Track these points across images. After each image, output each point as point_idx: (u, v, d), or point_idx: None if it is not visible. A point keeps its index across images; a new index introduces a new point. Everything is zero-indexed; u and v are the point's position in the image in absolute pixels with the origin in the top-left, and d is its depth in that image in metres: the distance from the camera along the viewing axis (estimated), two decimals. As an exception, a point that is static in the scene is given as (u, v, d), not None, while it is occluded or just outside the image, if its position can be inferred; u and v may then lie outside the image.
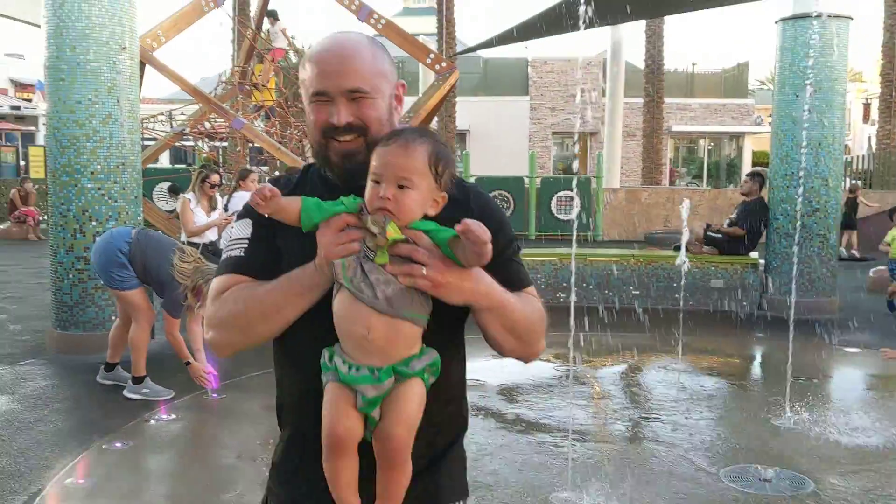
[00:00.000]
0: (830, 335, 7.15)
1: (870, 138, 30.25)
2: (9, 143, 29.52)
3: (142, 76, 7.87)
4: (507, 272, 1.56)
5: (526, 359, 1.61)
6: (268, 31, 13.05)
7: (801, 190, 8.33)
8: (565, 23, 10.04)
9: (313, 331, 1.51)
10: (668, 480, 4.08)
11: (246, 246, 1.63)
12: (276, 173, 12.11)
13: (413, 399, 1.44)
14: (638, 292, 8.95)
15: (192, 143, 14.46)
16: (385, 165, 1.46)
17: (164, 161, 23.95)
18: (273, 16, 13.27)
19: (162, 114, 15.10)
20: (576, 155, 30.71)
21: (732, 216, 9.52)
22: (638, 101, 25.44)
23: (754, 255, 9.23)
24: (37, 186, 16.96)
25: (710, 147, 32.28)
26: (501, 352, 1.56)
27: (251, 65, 12.74)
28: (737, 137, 31.28)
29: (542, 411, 5.23)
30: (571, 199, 16.27)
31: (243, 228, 1.66)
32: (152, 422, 4.98)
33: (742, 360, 7.23)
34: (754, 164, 27.57)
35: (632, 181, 26.53)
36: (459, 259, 1.42)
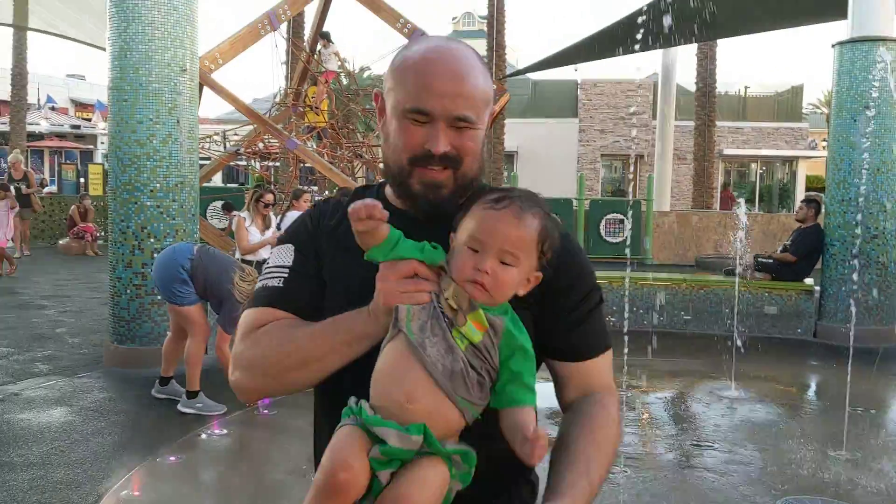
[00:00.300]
0: (889, 365, 6.97)
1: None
2: (69, 161, 30.37)
3: (200, 97, 8.06)
4: (582, 332, 1.43)
5: None
6: (320, 52, 13.27)
7: (859, 216, 8.17)
8: (619, 44, 10.03)
9: (361, 376, 1.30)
10: (721, 510, 4.01)
11: (286, 276, 1.45)
12: (326, 193, 12.28)
13: (432, 482, 1.19)
14: (689, 317, 8.84)
15: (245, 163, 14.72)
16: (491, 234, 1.27)
17: (217, 180, 24.41)
18: (326, 38, 13.50)
19: (217, 134, 15.43)
20: (630, 179, 30.53)
21: (787, 242, 9.39)
22: (689, 124, 25.22)
23: (809, 281, 9.06)
24: (95, 203, 17.39)
25: (762, 171, 31.80)
26: None
27: (305, 86, 12.96)
28: (790, 162, 30.76)
29: (592, 436, 5.17)
30: (621, 221, 16.15)
31: (284, 255, 1.48)
32: (205, 436, 5.06)
33: (797, 389, 7.08)
34: (808, 189, 27.09)
35: (682, 205, 26.25)
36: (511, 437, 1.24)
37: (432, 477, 1.20)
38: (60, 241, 17.22)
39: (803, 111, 33.27)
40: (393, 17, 10.28)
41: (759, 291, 8.90)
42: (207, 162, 11.79)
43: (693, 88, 24.69)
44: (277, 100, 13.95)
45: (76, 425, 5.16)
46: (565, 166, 28.22)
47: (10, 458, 4.47)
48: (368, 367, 1.28)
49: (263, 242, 7.87)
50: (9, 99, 25.37)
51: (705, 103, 23.94)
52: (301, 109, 12.64)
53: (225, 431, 5.17)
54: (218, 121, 28.20)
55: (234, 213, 9.64)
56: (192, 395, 5.46)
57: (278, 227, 8.22)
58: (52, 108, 37.64)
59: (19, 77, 24.40)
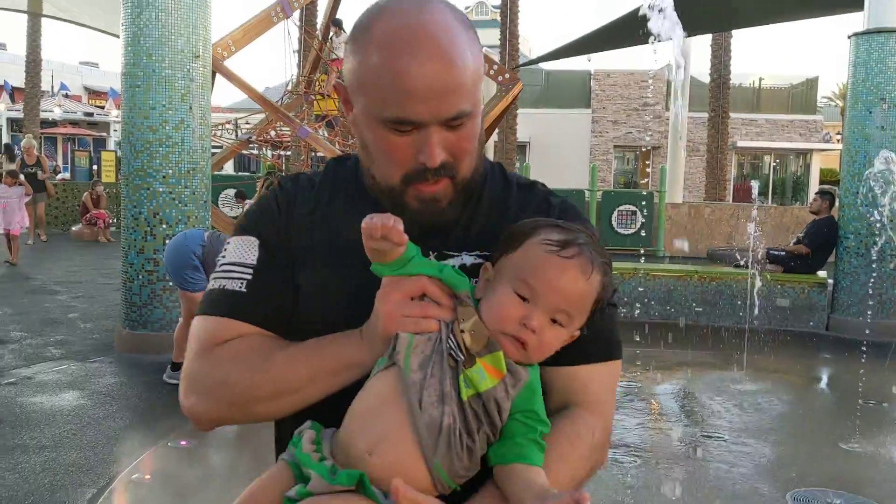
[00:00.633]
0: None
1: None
2: (82, 148, 30.48)
3: (212, 85, 8.06)
4: (589, 335, 1.13)
5: None
6: (332, 39, 13.25)
7: (875, 209, 8.11)
8: (632, 35, 9.98)
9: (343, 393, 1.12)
10: (730, 502, 4.00)
11: (249, 278, 1.18)
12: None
13: None
14: (700, 309, 8.80)
15: (256, 152, 14.73)
16: (552, 287, 1.05)
17: (229, 168, 24.46)
18: (339, 25, 13.47)
19: (228, 122, 15.45)
20: (644, 168, 30.43)
21: (800, 234, 9.34)
22: (702, 115, 25.09)
23: (822, 274, 9.01)
24: (107, 190, 17.45)
25: (775, 164, 31.64)
26: None
27: (317, 75, 12.94)
28: (804, 154, 30.59)
29: (602, 426, 5.17)
30: (633, 213, 16.10)
31: (245, 250, 1.21)
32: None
33: (809, 382, 7.05)
34: (822, 182, 26.91)
35: (694, 197, 26.15)
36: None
37: None
38: (73, 228, 17.30)
39: (818, 103, 33.09)
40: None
41: (771, 283, 8.86)
42: (219, 150, 11.80)
43: (707, 80, 24.55)
44: (289, 88, 13.94)
45: (88, 409, 5.19)
46: (578, 157, 28.14)
47: (23, 441, 4.50)
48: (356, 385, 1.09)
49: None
50: (23, 86, 25.50)
51: (719, 95, 23.80)
52: (313, 98, 12.63)
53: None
54: (230, 109, 28.25)
55: (247, 201, 9.67)
56: (177, 366, 5.49)
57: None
58: (66, 96, 37.73)
59: (33, 64, 24.51)
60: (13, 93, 34.98)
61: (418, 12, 1.08)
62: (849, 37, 8.61)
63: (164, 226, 6.60)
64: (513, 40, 23.28)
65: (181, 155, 6.64)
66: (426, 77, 1.05)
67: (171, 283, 6.11)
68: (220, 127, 13.13)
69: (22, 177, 13.28)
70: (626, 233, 16.19)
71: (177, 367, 5.78)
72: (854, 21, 9.20)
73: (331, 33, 13.08)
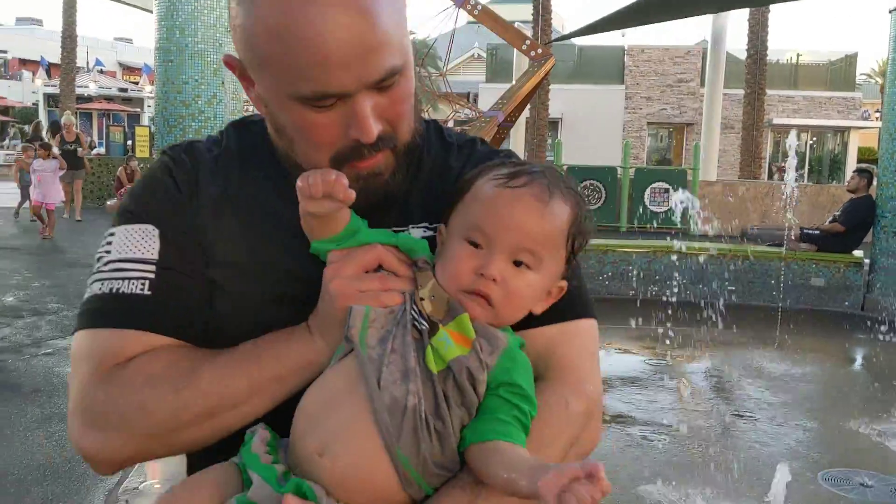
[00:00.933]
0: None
1: None
2: (116, 124, 30.83)
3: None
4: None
5: None
6: None
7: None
8: (667, 9, 9.83)
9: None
10: (761, 480, 3.97)
11: (152, 277, 0.96)
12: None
13: None
14: (733, 288, 8.71)
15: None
16: (504, 223, 0.90)
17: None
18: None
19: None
20: (679, 145, 30.11)
21: (836, 213, 9.19)
22: (738, 92, 24.69)
23: (858, 253, 8.87)
24: (141, 165, 17.63)
25: (812, 142, 31.10)
26: None
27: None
28: (842, 132, 30.03)
29: (632, 404, 5.16)
30: (666, 191, 15.94)
31: (141, 241, 0.97)
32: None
33: (843, 362, 6.96)
34: (860, 161, 26.43)
35: (729, 175, 25.82)
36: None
37: None
38: (108, 202, 17.53)
39: (857, 80, 32.42)
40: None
41: (805, 263, 8.74)
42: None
43: (743, 56, 24.13)
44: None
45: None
46: (610, 134, 27.87)
47: (60, 410, 4.59)
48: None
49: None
50: (59, 62, 25.79)
51: (756, 71, 23.38)
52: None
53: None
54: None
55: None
56: None
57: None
58: (101, 72, 38.16)
59: (69, 40, 24.78)
60: (50, 68, 35.44)
61: None
62: (890, 11, 8.40)
63: (196, 200, 6.65)
64: (545, 15, 23.02)
65: (213, 129, 6.65)
66: (341, 35, 0.84)
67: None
68: (249, 102, 13.07)
69: (56, 150, 13.44)
70: (658, 210, 16.04)
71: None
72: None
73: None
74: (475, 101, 22.16)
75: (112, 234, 0.99)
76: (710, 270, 8.84)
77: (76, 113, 25.37)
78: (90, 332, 0.95)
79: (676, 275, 8.77)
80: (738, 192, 16.93)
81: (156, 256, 0.96)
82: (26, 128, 37.50)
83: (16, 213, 14.87)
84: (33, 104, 37.63)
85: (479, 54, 33.62)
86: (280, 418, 0.92)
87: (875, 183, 8.81)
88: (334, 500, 0.84)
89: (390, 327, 0.89)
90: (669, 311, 5.43)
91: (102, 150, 24.52)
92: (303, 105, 0.89)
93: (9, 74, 42.85)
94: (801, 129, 30.28)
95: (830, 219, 9.20)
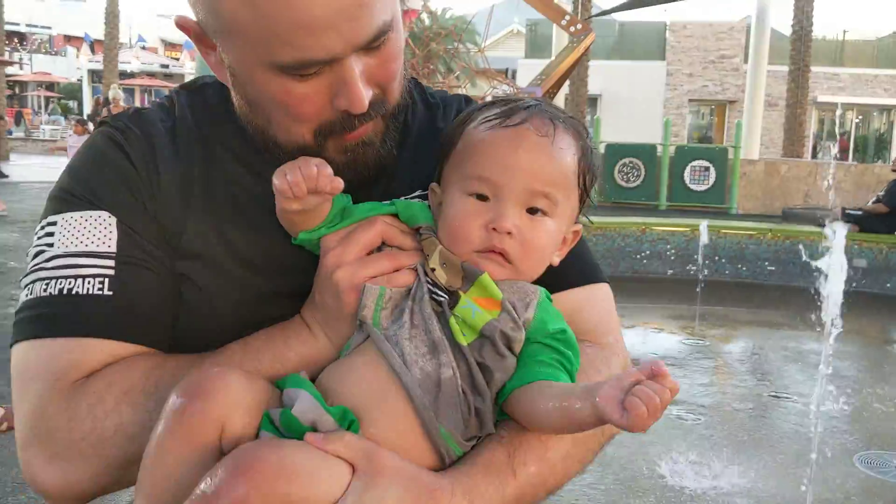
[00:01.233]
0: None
1: None
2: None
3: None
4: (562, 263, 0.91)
5: None
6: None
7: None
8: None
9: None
10: (796, 461, 3.97)
11: (112, 274, 0.82)
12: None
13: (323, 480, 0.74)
14: (773, 268, 8.63)
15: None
16: (509, 170, 0.80)
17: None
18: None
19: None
20: (721, 122, 29.69)
21: (880, 193, 9.04)
22: (782, 69, 24.22)
23: (903, 234, 8.73)
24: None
25: (857, 120, 30.45)
26: None
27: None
28: (888, 111, 29.34)
29: (667, 383, 5.16)
30: (706, 169, 15.76)
31: (94, 232, 0.82)
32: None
33: (883, 344, 6.88)
34: (908, 139, 25.83)
35: (771, 153, 25.42)
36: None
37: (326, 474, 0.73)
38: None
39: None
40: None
41: (848, 244, 8.61)
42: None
43: (787, 32, 23.64)
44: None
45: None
46: (651, 111, 27.55)
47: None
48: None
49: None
50: (102, 38, 26.13)
51: (801, 47, 22.88)
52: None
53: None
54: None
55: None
56: None
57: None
58: (143, 48, 38.59)
59: (112, 16, 25.06)
60: (93, 44, 35.93)
61: None
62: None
63: (238, 176, 6.75)
64: (586, -10, 22.75)
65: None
66: None
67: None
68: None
69: (91, 125, 13.70)
70: (698, 189, 15.87)
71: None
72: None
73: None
74: (514, 77, 22.01)
75: (52, 224, 0.84)
76: (750, 250, 8.76)
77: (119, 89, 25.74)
78: (38, 343, 0.80)
79: (715, 255, 8.71)
80: (781, 172, 16.68)
81: (114, 249, 0.82)
82: (70, 103, 38.16)
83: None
84: (77, 80, 38.27)
85: (518, 30, 33.40)
86: None
87: (922, 163, 8.65)
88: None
89: (404, 305, 0.81)
90: (708, 291, 5.41)
91: (145, 125, 24.87)
92: (281, 74, 0.78)
93: (54, 50, 43.57)
94: (847, 106, 29.69)
95: (874, 199, 9.06)
